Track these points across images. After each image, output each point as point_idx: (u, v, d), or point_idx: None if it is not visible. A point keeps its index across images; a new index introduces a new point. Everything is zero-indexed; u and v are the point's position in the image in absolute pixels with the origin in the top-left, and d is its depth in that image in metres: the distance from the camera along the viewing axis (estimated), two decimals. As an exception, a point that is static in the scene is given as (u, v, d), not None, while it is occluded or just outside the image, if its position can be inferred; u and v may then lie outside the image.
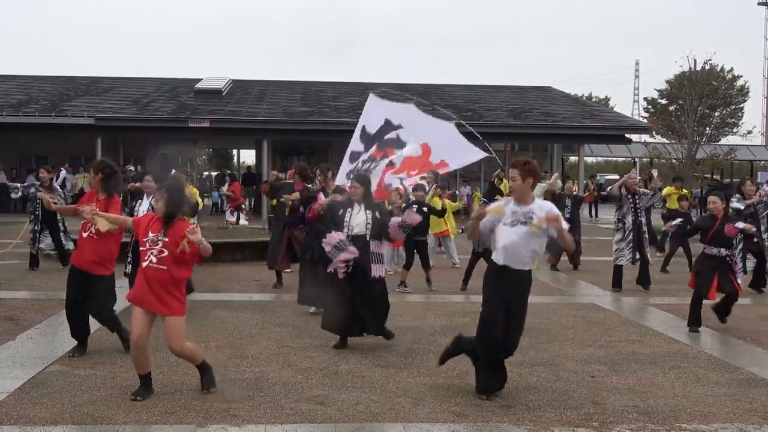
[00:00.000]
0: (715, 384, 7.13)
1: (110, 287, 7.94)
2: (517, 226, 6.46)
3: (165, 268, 6.18)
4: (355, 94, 36.34)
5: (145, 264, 6.23)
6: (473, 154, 11.13)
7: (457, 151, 10.99)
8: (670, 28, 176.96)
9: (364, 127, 11.24)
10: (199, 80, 36.72)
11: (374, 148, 10.81)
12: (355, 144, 11.14)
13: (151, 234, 6.24)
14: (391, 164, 10.65)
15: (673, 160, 32.26)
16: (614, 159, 58.89)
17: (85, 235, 7.60)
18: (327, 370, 7.37)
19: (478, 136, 11.06)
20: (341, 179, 10.61)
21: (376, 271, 8.35)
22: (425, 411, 6.16)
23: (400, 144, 10.82)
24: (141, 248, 6.30)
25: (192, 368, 7.27)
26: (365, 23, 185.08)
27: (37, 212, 14.15)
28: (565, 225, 6.54)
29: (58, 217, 14.10)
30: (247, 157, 57.29)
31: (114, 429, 5.60)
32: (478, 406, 6.30)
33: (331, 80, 40.28)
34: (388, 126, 10.95)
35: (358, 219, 8.34)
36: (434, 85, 39.00)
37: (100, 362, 7.48)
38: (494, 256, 6.65)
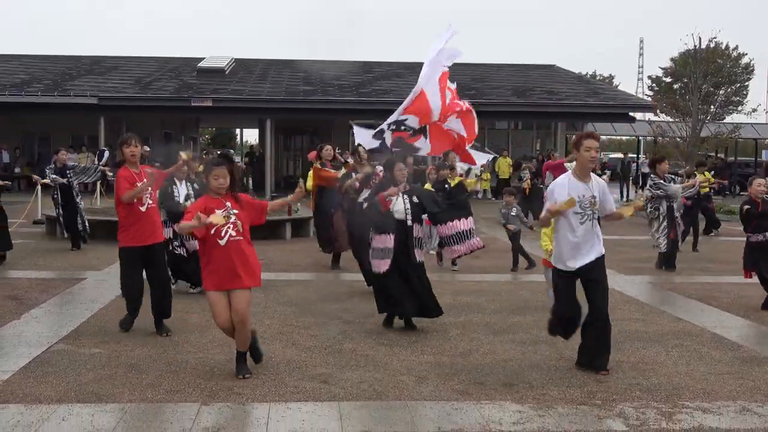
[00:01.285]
0: (718, 362, 7.14)
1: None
2: (586, 222, 6.62)
3: (243, 238, 6.31)
4: (359, 73, 36.23)
5: (224, 241, 6.22)
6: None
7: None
8: (675, 6, 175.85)
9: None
10: (201, 59, 36.59)
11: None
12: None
13: (219, 211, 6.21)
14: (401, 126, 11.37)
15: (678, 139, 32.10)
16: (618, 137, 58.73)
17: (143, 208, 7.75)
18: (331, 348, 7.39)
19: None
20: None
21: (419, 255, 8.33)
22: (429, 389, 6.18)
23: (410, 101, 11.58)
24: (211, 230, 6.19)
25: (196, 346, 7.32)
26: (368, 1, 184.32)
27: (55, 195, 14.21)
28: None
29: (77, 199, 14.17)
30: (250, 136, 57.21)
31: (119, 407, 5.62)
32: (481, 384, 6.32)
33: (335, 59, 40.14)
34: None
35: (398, 205, 8.24)
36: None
37: (104, 341, 7.50)
38: (559, 257, 6.73)
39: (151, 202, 7.80)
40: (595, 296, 6.63)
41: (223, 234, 6.22)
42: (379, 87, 32.19)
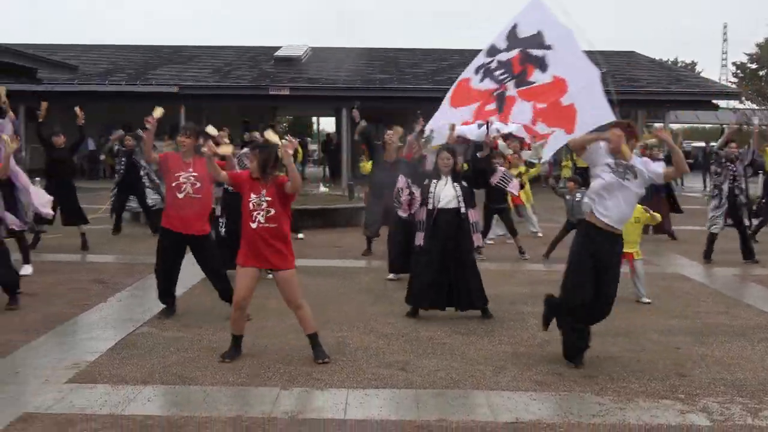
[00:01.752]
0: (806, 358, 6.92)
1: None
2: (627, 181, 6.36)
3: (274, 226, 6.31)
4: (434, 60, 36.11)
5: (253, 225, 6.32)
6: (604, 116, 8.32)
7: (591, 104, 8.46)
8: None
9: (516, 25, 9.35)
10: (278, 48, 36.96)
11: (516, 53, 9.03)
12: (499, 39, 9.39)
13: (253, 196, 6.33)
14: (524, 84, 8.92)
15: (763, 126, 31.17)
16: (701, 126, 57.22)
17: (181, 195, 7.77)
18: (408, 336, 7.41)
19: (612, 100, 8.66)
20: (469, 72, 9.45)
21: (477, 240, 8.30)
22: (506, 379, 6.14)
23: (543, 67, 8.91)
24: (246, 209, 6.35)
25: (275, 332, 7.42)
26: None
27: (118, 177, 14.57)
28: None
29: (144, 179, 14.49)
30: (327, 124, 57.60)
31: (201, 390, 5.75)
32: (560, 375, 6.25)
33: (410, 47, 40.07)
34: (538, 39, 9.08)
35: (446, 192, 8.13)
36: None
37: (187, 324, 7.67)
38: (599, 213, 6.42)
39: (190, 191, 7.76)
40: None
41: (254, 218, 6.32)
42: (454, 74, 31.95)
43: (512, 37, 9.22)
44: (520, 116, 8.58)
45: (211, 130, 7.76)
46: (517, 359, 6.69)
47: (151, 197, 14.63)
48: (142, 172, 14.57)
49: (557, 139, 8.26)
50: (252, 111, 36.67)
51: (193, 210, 7.79)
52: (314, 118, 59.98)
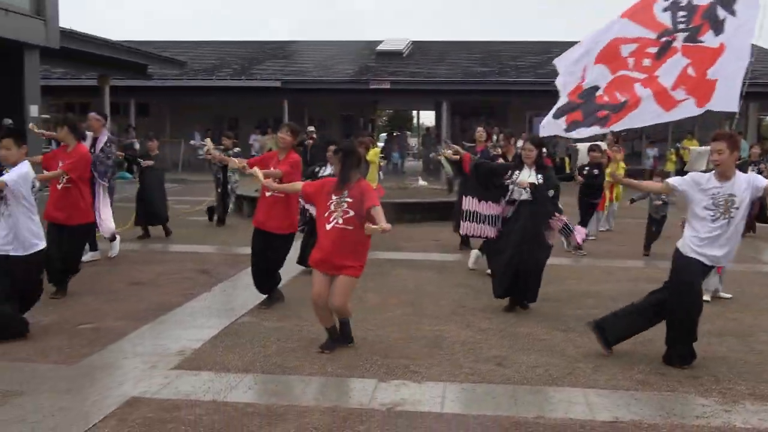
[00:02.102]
0: None
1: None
2: (719, 221, 6.16)
3: (351, 228, 6.29)
4: (536, 53, 35.62)
5: (329, 226, 6.34)
6: (730, 105, 7.67)
7: (727, 88, 7.71)
8: None
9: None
10: (380, 42, 37.17)
11: (707, 3, 7.99)
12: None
13: (334, 197, 6.37)
14: (693, 40, 7.93)
15: None
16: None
17: (268, 194, 7.93)
18: (506, 331, 7.36)
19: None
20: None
21: (579, 234, 8.18)
22: (606, 377, 6.03)
23: (718, 29, 7.89)
24: (324, 212, 6.40)
25: (374, 324, 7.48)
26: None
27: (218, 174, 14.93)
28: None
29: (229, 179, 14.84)
30: (426, 118, 57.61)
31: (301, 379, 5.85)
32: (662, 375, 6.09)
33: (512, 39, 39.67)
34: None
35: (530, 180, 8.04)
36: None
37: (287, 315, 7.82)
38: (687, 247, 6.30)
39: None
40: None
41: (330, 219, 6.33)
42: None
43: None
44: (668, 73, 7.85)
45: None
46: (618, 357, 6.55)
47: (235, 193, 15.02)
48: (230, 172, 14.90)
49: (686, 108, 7.79)
50: (353, 105, 37.03)
51: (277, 209, 7.94)
52: (414, 112, 60.06)
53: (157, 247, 11.95)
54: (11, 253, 6.71)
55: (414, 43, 38.01)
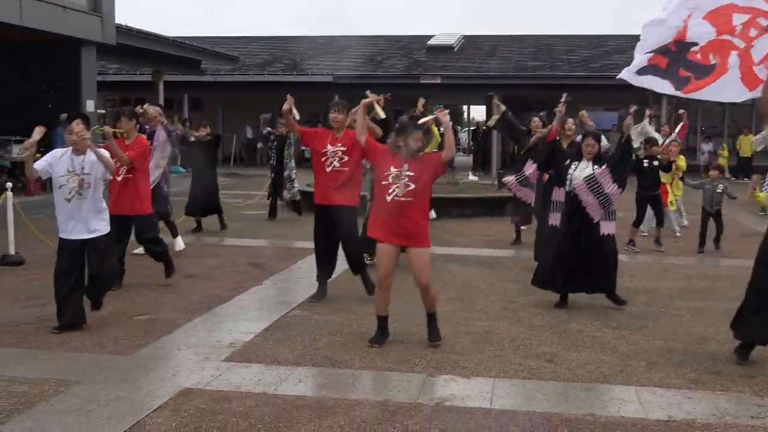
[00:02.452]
0: None
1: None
2: None
3: (411, 200, 6.29)
4: (589, 47, 35.25)
5: (389, 198, 6.31)
6: None
7: None
8: None
9: None
10: (431, 37, 37.10)
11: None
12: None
13: (393, 169, 6.33)
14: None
15: None
16: None
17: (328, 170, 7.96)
18: (556, 328, 7.30)
19: None
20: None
21: (606, 228, 8.06)
22: (659, 375, 5.95)
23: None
24: (382, 182, 6.38)
25: (423, 319, 7.47)
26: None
27: (272, 161, 15.01)
28: None
29: (286, 165, 14.89)
30: (477, 112, 57.36)
31: (350, 373, 5.88)
32: (716, 374, 5.99)
33: (564, 33, 39.28)
34: None
35: (585, 175, 7.97)
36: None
37: (337, 309, 7.86)
38: None
39: (337, 164, 7.90)
40: None
41: (390, 191, 6.30)
42: (611, 61, 31.14)
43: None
44: (762, 48, 7.40)
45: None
46: (671, 355, 6.47)
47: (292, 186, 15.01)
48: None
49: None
50: (403, 100, 37.02)
51: (338, 183, 7.92)
52: (465, 107, 59.81)
53: (210, 240, 12.11)
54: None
55: (465, 37, 37.87)
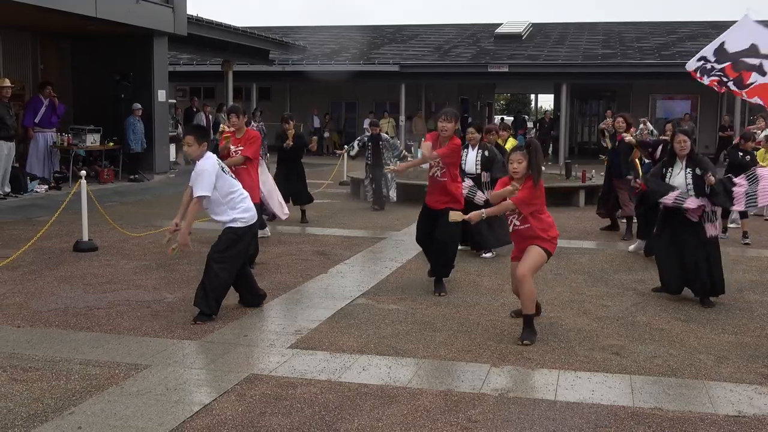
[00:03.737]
0: None
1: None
2: None
3: (528, 225, 6.51)
4: (661, 34, 34.52)
5: (511, 228, 6.66)
6: None
7: None
8: None
9: (723, 43, 9.86)
10: (499, 25, 36.79)
11: (727, 65, 9.55)
12: (707, 51, 9.96)
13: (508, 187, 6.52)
14: (743, 86, 9.38)
15: None
16: None
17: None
18: (623, 320, 7.20)
19: None
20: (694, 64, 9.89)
21: (711, 230, 7.90)
22: (729, 370, 5.82)
23: (762, 72, 9.28)
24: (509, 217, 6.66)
25: (488, 309, 7.47)
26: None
27: (368, 161, 15.10)
28: None
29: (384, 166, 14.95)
30: (545, 101, 56.73)
31: (414, 362, 5.89)
32: (790, 369, 5.85)
33: (635, 20, 38.54)
34: (751, 51, 9.48)
35: (678, 181, 7.89)
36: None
37: (401, 298, 7.88)
38: None
39: (438, 174, 8.02)
40: None
41: (510, 220, 6.62)
42: (683, 49, 30.44)
43: (720, 52, 9.64)
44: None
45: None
46: (742, 350, 6.32)
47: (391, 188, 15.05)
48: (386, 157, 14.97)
49: None
50: (471, 89, 36.85)
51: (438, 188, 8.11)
52: (532, 95, 59.24)
53: (276, 228, 12.24)
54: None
55: (534, 25, 37.45)
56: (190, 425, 4.65)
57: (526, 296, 6.48)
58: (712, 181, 7.59)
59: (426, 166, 8.43)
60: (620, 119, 11.90)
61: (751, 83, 9.14)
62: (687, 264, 7.83)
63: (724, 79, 9.40)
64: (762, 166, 12.47)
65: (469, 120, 33.79)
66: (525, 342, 6.36)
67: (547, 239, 6.57)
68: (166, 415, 4.78)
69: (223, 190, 6.93)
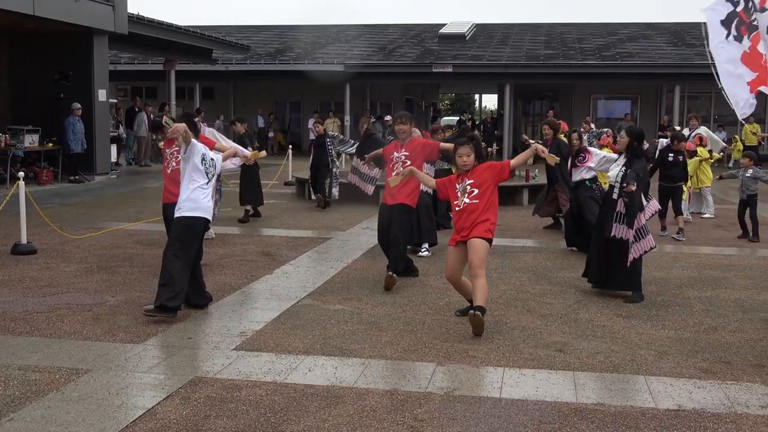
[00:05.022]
0: None
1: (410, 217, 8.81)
2: None
3: (477, 201, 6.77)
4: (601, 35, 35.07)
5: (459, 208, 6.84)
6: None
7: None
8: None
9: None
10: (443, 25, 36.99)
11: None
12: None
13: (458, 185, 6.88)
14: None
15: None
16: None
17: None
18: (566, 317, 7.30)
19: None
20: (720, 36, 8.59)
21: (618, 231, 8.04)
22: (669, 365, 5.94)
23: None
24: (454, 202, 6.93)
25: (434, 308, 7.49)
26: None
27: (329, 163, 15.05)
28: None
29: (331, 165, 14.92)
30: (489, 101, 57.21)
31: (360, 362, 5.89)
32: (727, 363, 5.98)
33: (576, 21, 39.10)
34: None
35: (615, 171, 8.11)
36: (688, 23, 36.64)
37: (347, 298, 7.87)
38: None
39: (401, 169, 8.25)
40: None
41: (459, 203, 6.84)
42: (623, 50, 30.99)
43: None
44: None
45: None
46: (682, 345, 6.45)
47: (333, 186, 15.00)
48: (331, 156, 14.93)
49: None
50: (415, 89, 36.97)
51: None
52: (476, 95, 59.70)
53: (221, 230, 12.13)
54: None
55: (477, 25, 37.74)
56: (133, 430, 4.58)
57: (481, 289, 6.58)
58: (632, 189, 7.73)
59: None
60: (545, 126, 12.23)
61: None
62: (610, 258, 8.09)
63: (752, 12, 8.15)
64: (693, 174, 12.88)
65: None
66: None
67: (490, 221, 6.81)
68: (108, 420, 4.70)
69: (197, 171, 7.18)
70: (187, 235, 7.04)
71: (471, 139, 7.08)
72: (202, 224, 7.18)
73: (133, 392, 5.18)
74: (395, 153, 8.55)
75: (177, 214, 7.12)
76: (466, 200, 6.81)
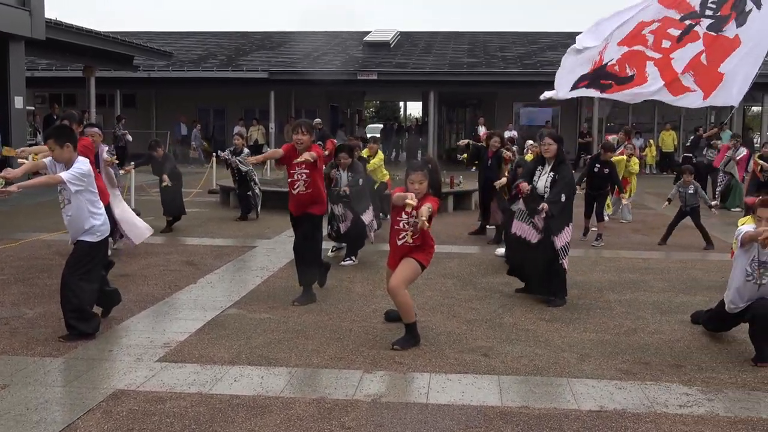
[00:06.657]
0: None
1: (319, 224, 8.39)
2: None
3: (420, 244, 6.68)
4: (523, 44, 35.69)
5: (400, 243, 6.63)
6: (732, 100, 7.88)
7: (735, 83, 7.82)
8: None
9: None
10: (367, 33, 37.11)
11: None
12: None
13: (404, 215, 6.50)
14: (716, 29, 7.89)
15: None
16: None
17: (295, 192, 8.01)
18: (491, 322, 7.38)
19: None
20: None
21: (531, 235, 8.25)
22: (591, 367, 6.06)
23: (740, 22, 7.90)
24: (396, 226, 6.62)
25: (360, 315, 7.50)
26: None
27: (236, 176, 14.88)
28: None
29: (251, 177, 14.75)
30: (414, 109, 57.61)
31: (286, 371, 5.85)
32: (646, 364, 6.14)
33: (499, 30, 39.71)
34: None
35: (543, 180, 8.17)
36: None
37: (273, 306, 7.81)
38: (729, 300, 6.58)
39: (303, 188, 7.95)
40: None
41: (400, 237, 6.61)
42: (544, 58, 31.55)
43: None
44: (682, 58, 7.96)
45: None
46: (603, 347, 6.59)
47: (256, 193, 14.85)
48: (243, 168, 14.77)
49: (692, 98, 7.95)
50: (341, 96, 36.98)
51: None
52: (401, 103, 60.02)
53: (144, 240, 11.90)
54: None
55: (401, 33, 37.97)
56: (52, 446, 4.46)
57: (402, 307, 6.55)
58: (545, 208, 7.90)
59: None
60: (496, 138, 12.67)
61: (722, 31, 7.91)
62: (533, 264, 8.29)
63: (712, 11, 8.03)
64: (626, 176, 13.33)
65: (342, 125, 33.96)
66: (396, 347, 6.41)
67: (427, 249, 6.78)
68: (25, 436, 4.56)
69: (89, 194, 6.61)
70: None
71: (426, 163, 6.68)
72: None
73: (53, 407, 5.04)
74: (297, 168, 7.90)
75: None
76: (410, 241, 6.59)
